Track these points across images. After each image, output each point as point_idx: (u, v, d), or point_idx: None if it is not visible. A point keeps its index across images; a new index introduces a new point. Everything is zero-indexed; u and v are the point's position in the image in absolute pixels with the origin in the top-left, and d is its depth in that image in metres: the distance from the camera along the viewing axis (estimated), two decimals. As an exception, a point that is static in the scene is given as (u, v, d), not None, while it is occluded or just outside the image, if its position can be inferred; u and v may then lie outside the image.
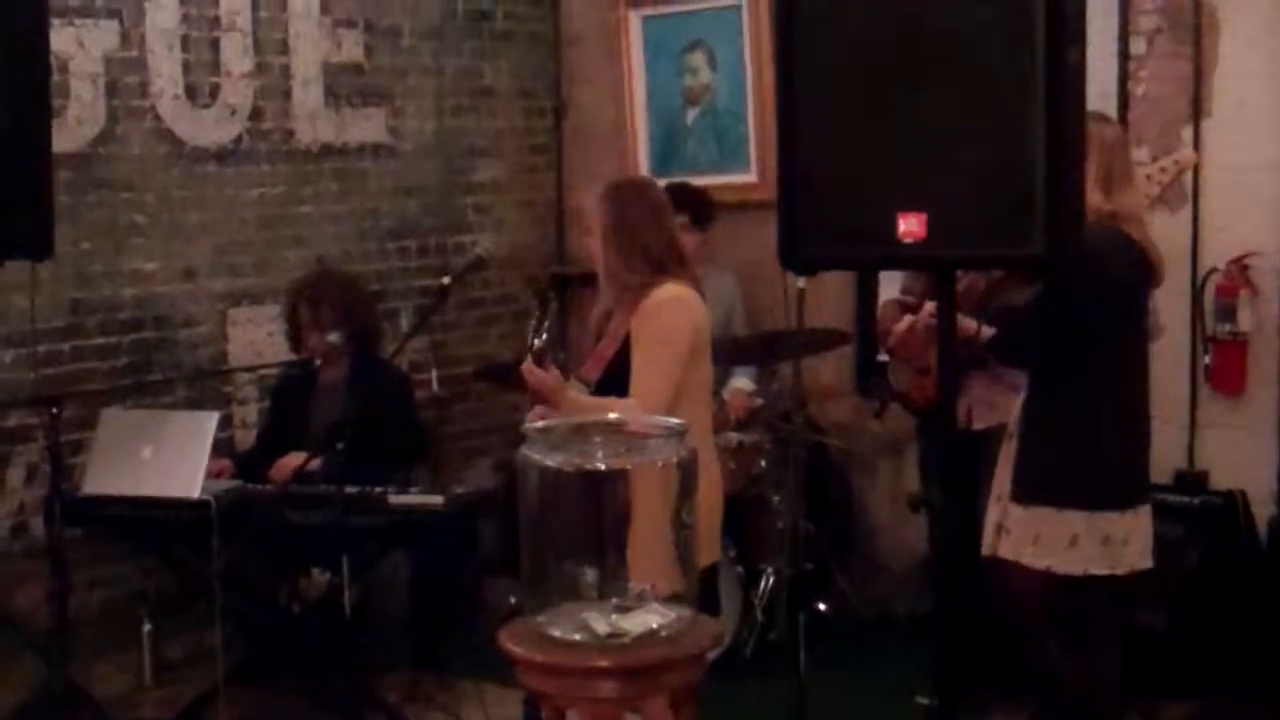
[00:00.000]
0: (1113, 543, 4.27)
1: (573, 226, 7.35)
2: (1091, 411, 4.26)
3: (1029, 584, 4.37)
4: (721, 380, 6.33)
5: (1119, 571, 4.29)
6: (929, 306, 4.43)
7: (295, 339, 5.74)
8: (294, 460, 5.29)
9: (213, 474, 5.41)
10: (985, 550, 4.42)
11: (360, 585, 5.20)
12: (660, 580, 3.48)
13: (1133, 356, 4.40)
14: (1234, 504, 5.49)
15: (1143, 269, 4.33)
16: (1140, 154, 5.69)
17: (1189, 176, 5.55)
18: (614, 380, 4.32)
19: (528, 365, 4.20)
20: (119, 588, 5.81)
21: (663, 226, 4.42)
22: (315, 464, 5.17)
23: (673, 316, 4.31)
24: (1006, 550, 4.36)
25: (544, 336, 4.23)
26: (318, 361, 5.55)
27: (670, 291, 4.33)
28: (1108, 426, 4.29)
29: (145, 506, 5.10)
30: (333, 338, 5.55)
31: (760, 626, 5.80)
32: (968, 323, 4.27)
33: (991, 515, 4.45)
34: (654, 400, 4.16)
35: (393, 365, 5.84)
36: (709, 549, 4.33)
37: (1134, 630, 5.20)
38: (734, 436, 5.95)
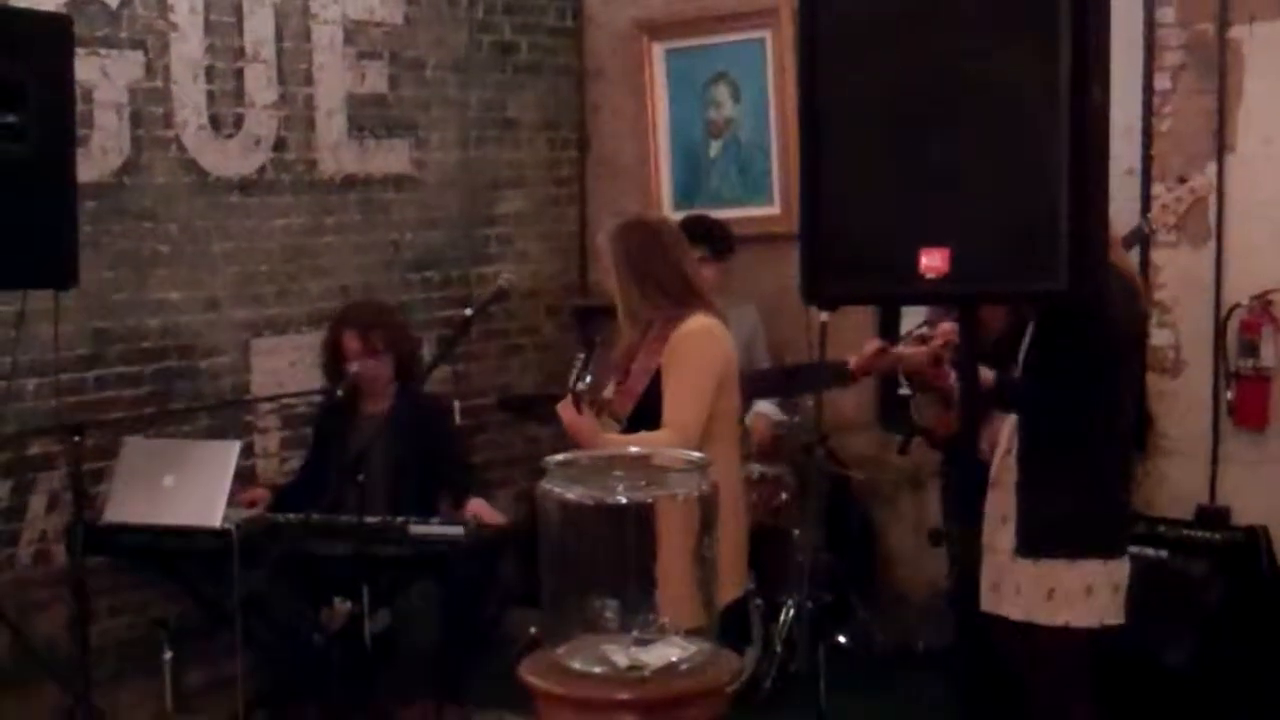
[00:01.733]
0: (1120, 591, 4.20)
1: (594, 260, 7.36)
2: (1097, 455, 4.19)
3: (1042, 644, 4.26)
4: (742, 410, 6.33)
5: (1120, 621, 4.23)
6: (945, 327, 4.39)
7: (332, 370, 5.67)
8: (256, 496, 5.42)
9: (249, 503, 5.44)
10: (985, 607, 4.12)
11: (388, 614, 5.22)
12: (681, 614, 3.47)
13: (1129, 397, 4.36)
14: (1256, 540, 5.46)
15: (1139, 306, 4.31)
16: (1164, 190, 5.69)
17: (1212, 212, 5.55)
18: (645, 415, 4.33)
19: (566, 405, 4.22)
20: (140, 615, 5.81)
21: (675, 261, 4.45)
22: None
23: (702, 347, 4.34)
24: (1014, 611, 4.18)
25: (587, 380, 4.25)
26: (354, 368, 5.51)
27: (698, 323, 4.35)
28: (1112, 470, 4.24)
29: (166, 535, 5.13)
30: (382, 364, 5.56)
31: (780, 659, 5.78)
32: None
33: (988, 570, 4.18)
34: (687, 431, 4.19)
35: (436, 397, 5.88)
36: (734, 583, 4.33)
37: (1157, 668, 5.20)
38: (756, 468, 5.94)
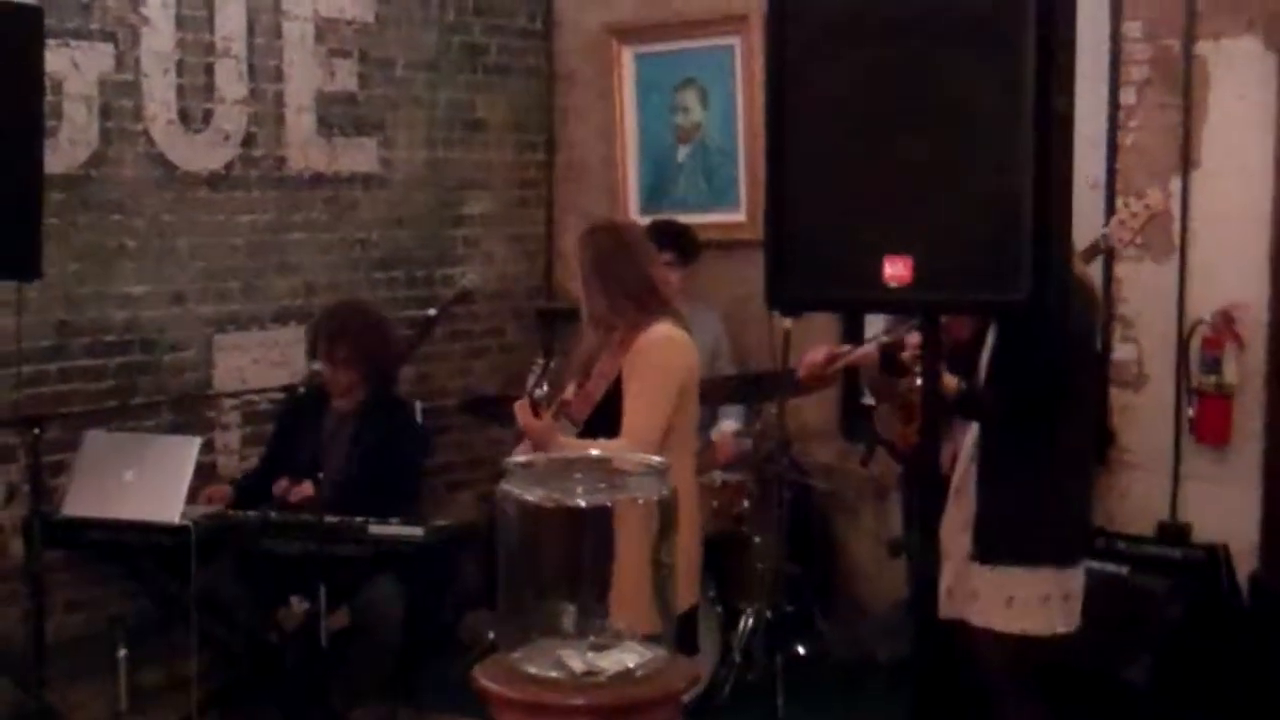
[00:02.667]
0: (1071, 599, 4.22)
1: (560, 262, 7.37)
2: (1054, 464, 4.21)
3: (998, 650, 4.28)
4: (707, 420, 6.33)
5: (1072, 629, 4.25)
6: (913, 338, 4.40)
7: (314, 353, 5.71)
8: (305, 490, 5.27)
9: (209, 498, 5.41)
10: (943, 613, 4.20)
11: (347, 613, 5.20)
12: (638, 619, 3.47)
13: (1087, 405, 4.38)
14: (1216, 557, 5.47)
15: (1095, 316, 4.32)
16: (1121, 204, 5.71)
17: (1176, 227, 5.57)
18: (603, 420, 4.33)
19: (523, 405, 4.22)
20: (97, 611, 5.78)
21: (642, 267, 4.47)
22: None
23: (665, 356, 4.35)
24: (973, 615, 4.21)
25: (544, 387, 4.26)
26: (316, 365, 5.50)
27: (662, 331, 4.36)
28: (1070, 479, 4.26)
29: (125, 530, 5.11)
30: (345, 373, 5.54)
31: (738, 667, 5.77)
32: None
33: (945, 576, 4.24)
34: (645, 439, 4.20)
35: (407, 405, 5.88)
36: (688, 591, 4.33)
37: (1117, 684, 5.21)
38: (718, 475, 5.94)
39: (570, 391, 4.40)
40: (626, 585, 3.52)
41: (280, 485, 5.41)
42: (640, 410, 4.28)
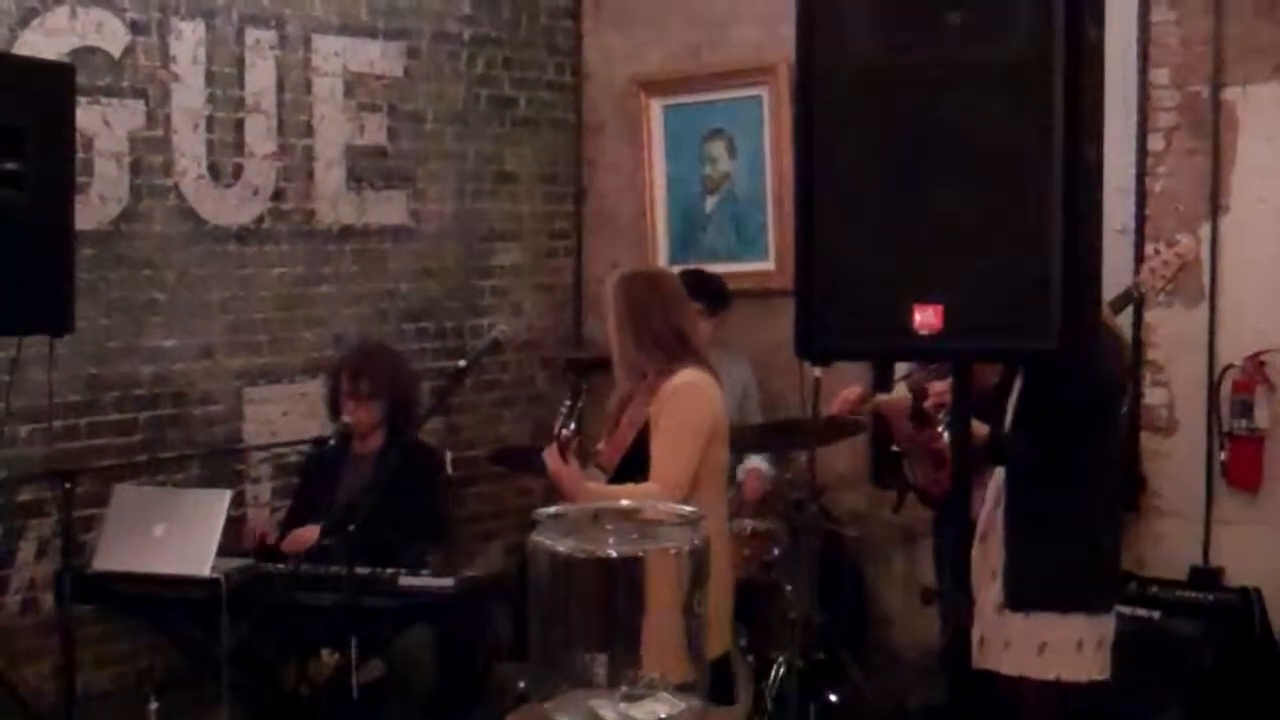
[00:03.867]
0: (1103, 646, 4.20)
1: (590, 312, 7.38)
2: (1085, 510, 4.20)
3: (1032, 698, 4.25)
4: (735, 467, 6.32)
5: (1105, 676, 4.22)
6: (936, 387, 4.41)
7: (334, 408, 5.72)
8: (308, 534, 5.28)
9: (257, 535, 5.46)
10: (976, 663, 4.20)
11: (381, 664, 5.19)
12: (671, 669, 3.46)
13: (1115, 452, 4.37)
14: (1249, 601, 5.45)
15: (1122, 362, 4.32)
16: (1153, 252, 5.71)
17: (1205, 272, 5.56)
18: (632, 466, 4.33)
19: (551, 451, 4.22)
20: (127, 665, 5.80)
21: (675, 315, 4.49)
22: (328, 540, 5.14)
23: (692, 402, 4.35)
24: (1006, 665, 4.20)
25: (571, 427, 4.26)
26: (346, 419, 5.52)
27: (688, 377, 4.37)
28: (1100, 525, 4.25)
29: (156, 583, 5.10)
30: (369, 410, 5.56)
31: (771, 716, 5.74)
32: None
33: (976, 626, 4.25)
34: (674, 485, 4.20)
35: (427, 446, 5.86)
36: (720, 638, 4.31)
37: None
38: (748, 523, 5.92)
39: (603, 442, 4.41)
40: (660, 635, 3.51)
41: (292, 537, 5.42)
42: (668, 455, 4.29)
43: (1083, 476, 4.18)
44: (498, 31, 7.14)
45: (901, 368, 5.28)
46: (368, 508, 4.94)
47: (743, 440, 6.00)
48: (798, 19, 3.18)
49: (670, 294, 4.53)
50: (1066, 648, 4.14)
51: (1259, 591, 5.47)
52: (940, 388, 4.27)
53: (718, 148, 7.08)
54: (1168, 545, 5.81)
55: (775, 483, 6.24)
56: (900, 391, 4.95)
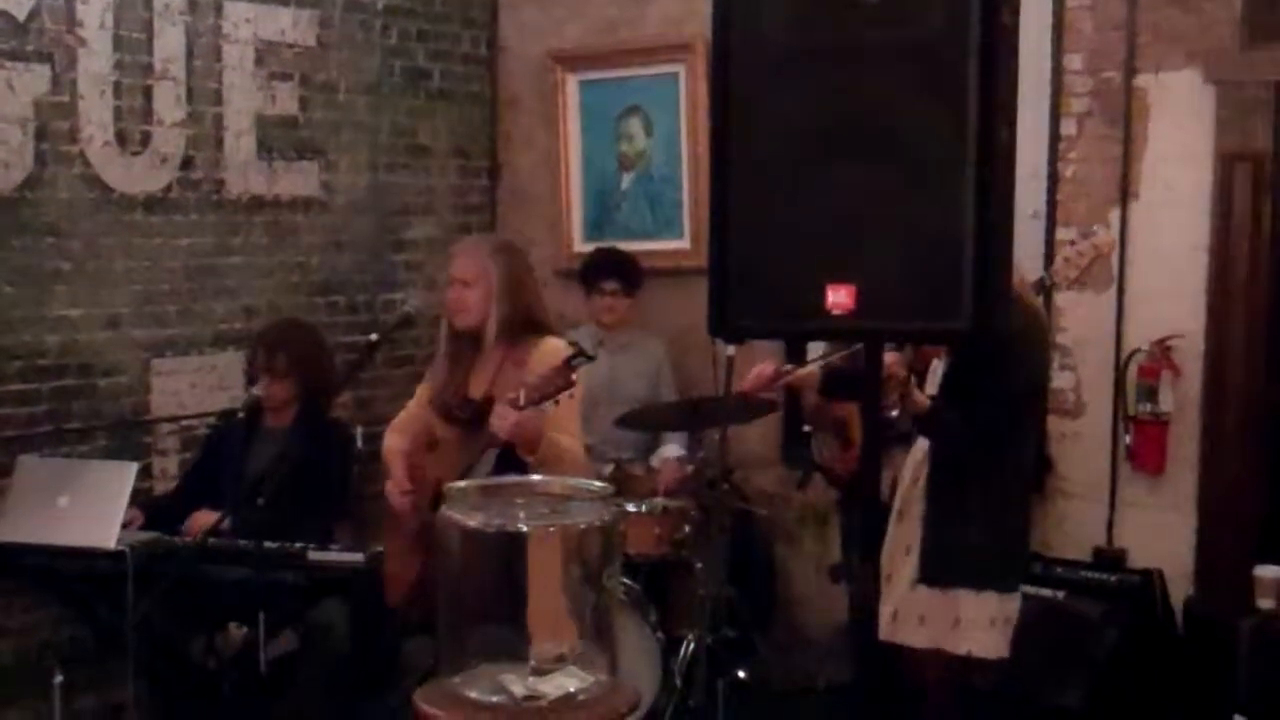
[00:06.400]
0: (1010, 624, 4.26)
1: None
2: (1004, 490, 4.25)
3: (940, 670, 4.30)
4: (651, 447, 6.33)
5: (1006, 655, 4.28)
6: (889, 358, 4.43)
7: (251, 380, 5.69)
8: (207, 519, 5.23)
9: (123, 523, 5.35)
10: (885, 636, 4.22)
11: (294, 637, 5.16)
12: (579, 644, 3.47)
13: (1033, 435, 4.43)
14: (1151, 583, 5.53)
15: (1046, 347, 4.38)
16: (1069, 234, 5.77)
17: (1115, 258, 5.62)
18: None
19: (507, 415, 4.32)
20: (31, 637, 5.71)
21: (537, 287, 4.80)
22: (226, 524, 5.10)
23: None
24: (920, 639, 4.26)
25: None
26: (256, 392, 5.47)
27: (558, 343, 4.56)
28: (1016, 506, 4.30)
29: (60, 556, 5.04)
30: (282, 386, 5.52)
31: (679, 693, 5.76)
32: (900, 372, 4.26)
33: (886, 600, 4.29)
34: (582, 455, 4.40)
35: (338, 421, 5.83)
36: None
37: (1050, 708, 5.24)
38: (659, 502, 5.93)
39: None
40: (568, 610, 3.52)
41: (192, 520, 5.37)
42: (573, 428, 4.50)
43: (1007, 457, 4.23)
44: (412, 3, 7.08)
45: (816, 348, 5.32)
46: (276, 482, 4.91)
47: (656, 419, 6.02)
48: (715, -4, 3.18)
49: (531, 267, 4.85)
50: (980, 624, 4.20)
51: (1161, 573, 5.55)
52: (892, 358, 4.28)
53: (634, 125, 7.07)
54: (1072, 526, 5.88)
55: (688, 462, 6.25)
56: (811, 368, 4.98)
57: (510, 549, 3.41)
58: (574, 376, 4.24)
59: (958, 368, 4.27)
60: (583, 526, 3.45)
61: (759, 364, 5.12)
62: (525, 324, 4.62)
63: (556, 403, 4.27)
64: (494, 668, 3.36)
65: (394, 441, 4.89)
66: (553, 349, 4.51)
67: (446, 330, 4.78)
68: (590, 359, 4.28)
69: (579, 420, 4.62)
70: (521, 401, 4.26)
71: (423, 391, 4.95)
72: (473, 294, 4.61)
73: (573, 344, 4.44)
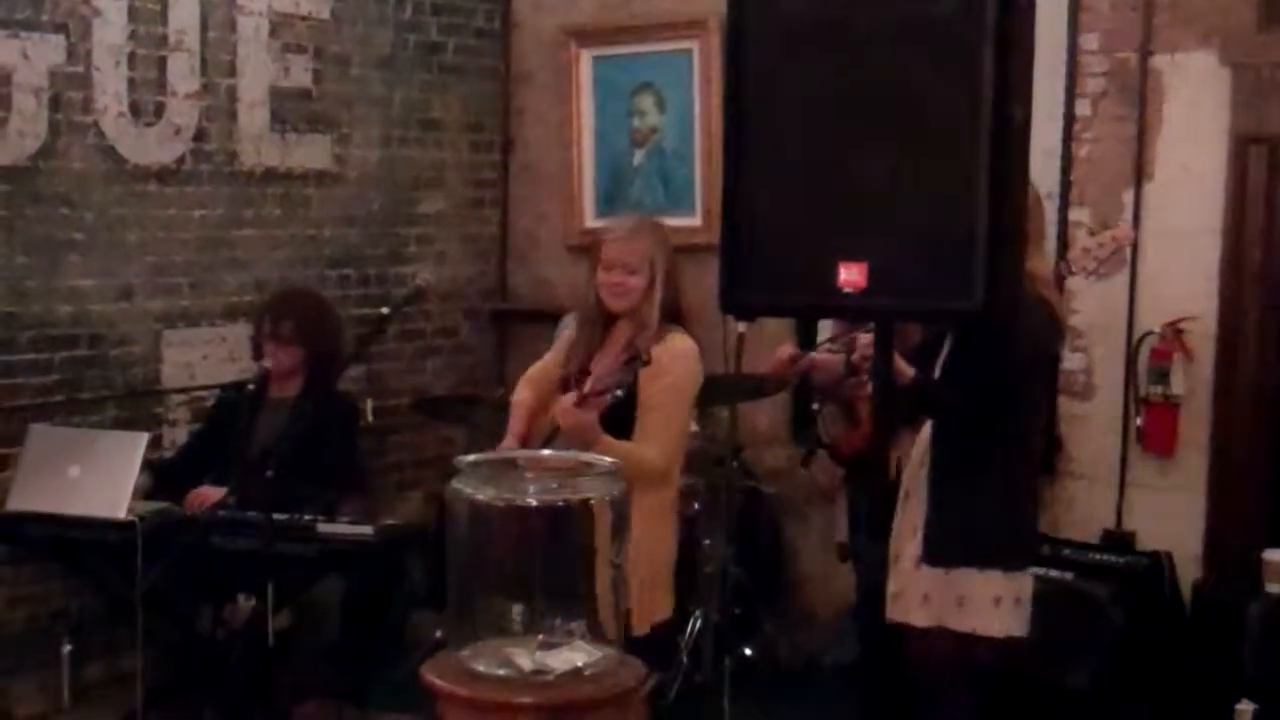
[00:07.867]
0: (1022, 603, 4.27)
1: (513, 262, 7.37)
2: (1009, 470, 4.25)
3: (945, 646, 4.31)
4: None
5: (1023, 634, 4.28)
6: (863, 338, 4.42)
7: (258, 351, 5.66)
8: (211, 495, 5.23)
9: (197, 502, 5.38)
10: (890, 616, 4.28)
11: (290, 612, 5.17)
12: (588, 619, 3.47)
13: (1040, 416, 4.42)
14: (1160, 565, 5.53)
15: (1054, 329, 4.36)
16: (1082, 215, 5.77)
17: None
18: (615, 421, 4.34)
19: (568, 403, 4.23)
20: (40, 606, 5.73)
21: (679, 278, 4.58)
22: (231, 499, 5.09)
23: (691, 370, 4.46)
24: (924, 617, 4.26)
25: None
26: (266, 364, 5.47)
27: (688, 345, 4.46)
28: (1022, 486, 4.30)
29: (70, 525, 5.05)
30: (288, 354, 5.51)
31: (685, 670, 5.77)
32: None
33: (893, 580, 4.34)
34: (671, 453, 4.37)
35: (344, 394, 5.81)
36: (664, 603, 4.44)
37: (1058, 688, 5.24)
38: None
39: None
40: (577, 585, 3.52)
41: (194, 495, 5.37)
42: (665, 422, 4.37)
43: (1010, 437, 4.23)
44: (426, -24, 7.08)
45: (827, 326, 5.31)
46: (283, 454, 4.91)
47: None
48: (729, -27, 3.17)
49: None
50: (984, 603, 4.20)
51: (1169, 555, 5.55)
52: (866, 339, 4.28)
53: (647, 101, 7.05)
54: (1081, 508, 5.88)
55: (697, 439, 6.24)
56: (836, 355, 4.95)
57: (519, 522, 3.41)
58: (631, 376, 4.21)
59: (958, 348, 4.27)
60: (592, 501, 3.45)
61: (775, 345, 5.12)
62: (669, 313, 4.52)
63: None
64: (501, 641, 3.37)
65: (523, 394, 4.70)
66: (678, 351, 4.42)
67: (594, 306, 4.65)
68: (645, 363, 4.23)
69: (678, 422, 4.47)
70: (586, 390, 4.24)
71: (558, 349, 4.81)
72: (636, 280, 4.51)
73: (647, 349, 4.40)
